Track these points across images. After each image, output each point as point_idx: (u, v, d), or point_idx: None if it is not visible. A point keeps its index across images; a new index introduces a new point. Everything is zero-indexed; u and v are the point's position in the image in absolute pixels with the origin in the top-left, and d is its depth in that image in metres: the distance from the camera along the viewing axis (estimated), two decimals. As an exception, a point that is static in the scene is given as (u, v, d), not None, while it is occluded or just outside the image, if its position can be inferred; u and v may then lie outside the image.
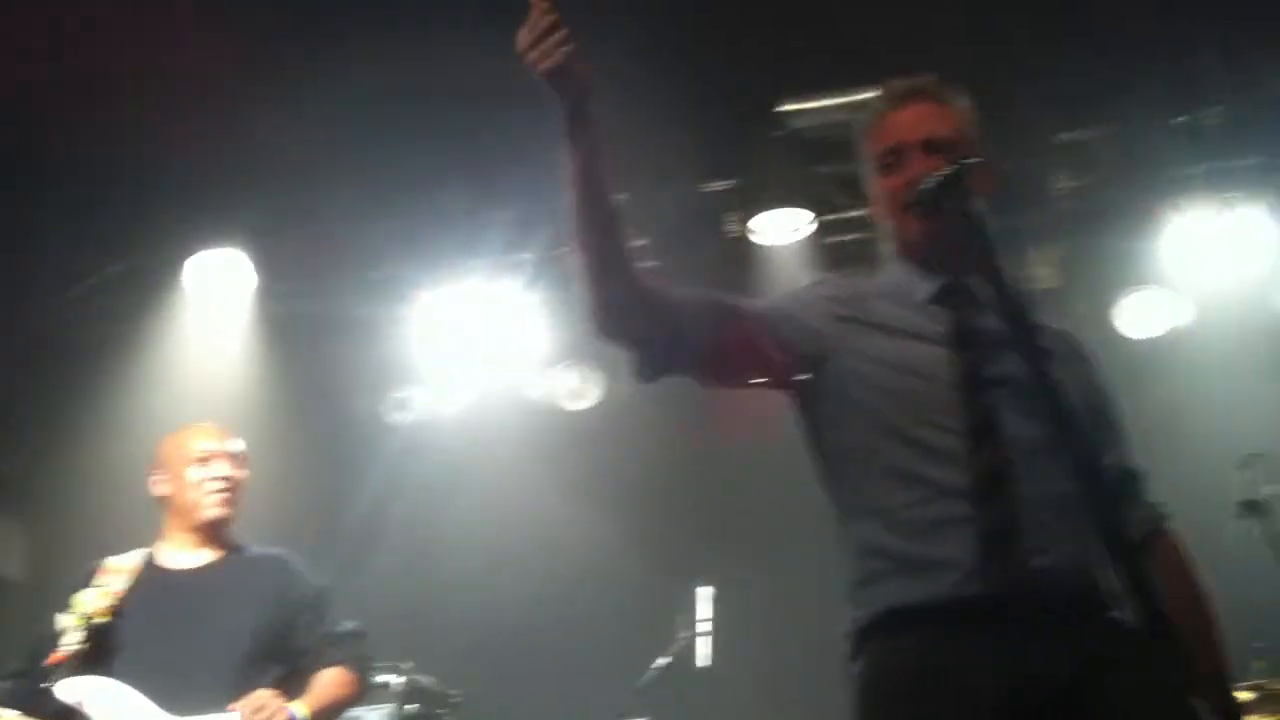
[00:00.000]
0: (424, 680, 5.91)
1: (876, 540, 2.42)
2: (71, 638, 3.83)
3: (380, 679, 5.71)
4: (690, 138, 6.37)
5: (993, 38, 5.59)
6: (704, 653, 5.00)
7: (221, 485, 4.13)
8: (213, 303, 6.99)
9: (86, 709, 3.77)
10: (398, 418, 7.46)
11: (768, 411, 2.76)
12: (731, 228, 6.86)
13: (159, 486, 4.18)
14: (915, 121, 2.62)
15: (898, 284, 2.62)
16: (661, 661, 5.00)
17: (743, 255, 6.79)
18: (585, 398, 7.35)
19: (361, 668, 4.18)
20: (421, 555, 7.25)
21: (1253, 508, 4.39)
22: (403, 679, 5.81)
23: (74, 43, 5.55)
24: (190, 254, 6.84)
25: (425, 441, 7.34)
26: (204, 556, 4.13)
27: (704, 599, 5.09)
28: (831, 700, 2.54)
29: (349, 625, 4.20)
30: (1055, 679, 2.21)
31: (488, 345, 7.22)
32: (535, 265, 6.93)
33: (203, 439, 4.20)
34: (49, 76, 5.68)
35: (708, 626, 5.03)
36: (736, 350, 2.51)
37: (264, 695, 3.84)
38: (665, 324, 2.44)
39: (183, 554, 4.13)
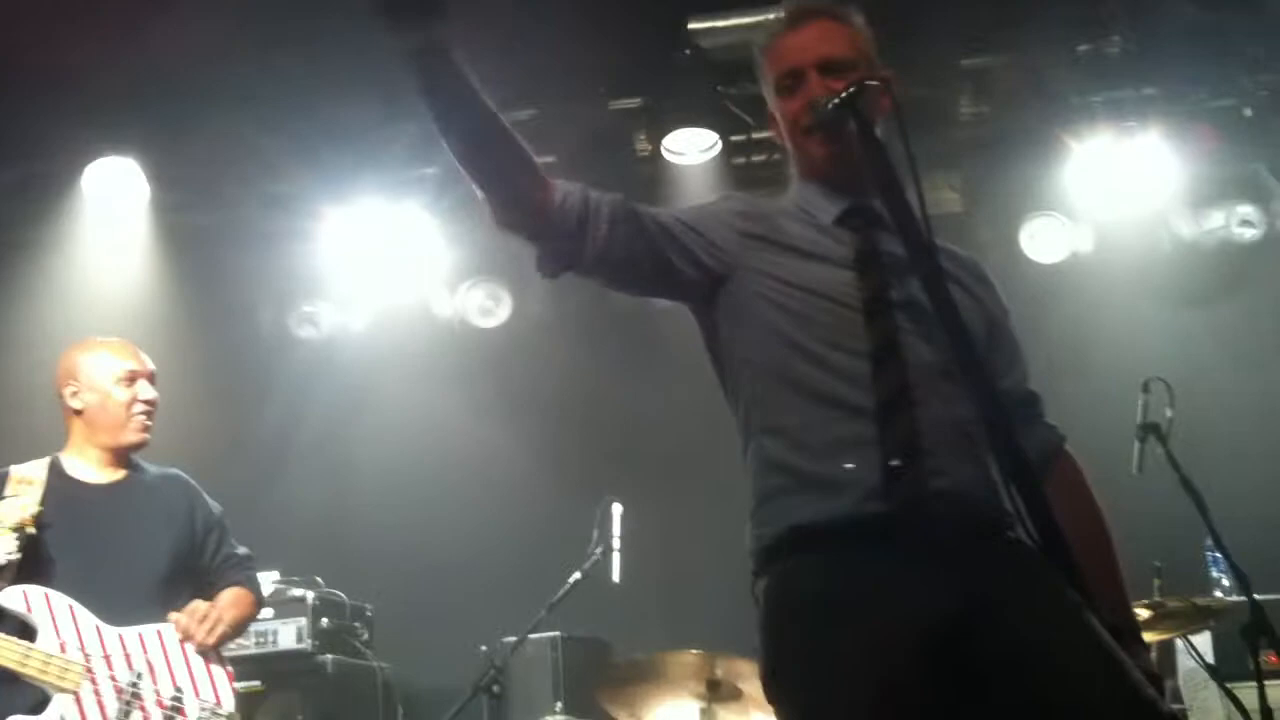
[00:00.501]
0: (337, 594, 5.94)
1: (780, 457, 2.44)
2: (3, 546, 3.82)
3: (295, 593, 5.76)
4: (598, 56, 6.32)
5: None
6: (617, 568, 5.06)
7: (146, 408, 4.14)
8: (110, 213, 6.85)
9: (32, 617, 3.80)
10: (305, 333, 7.39)
11: (677, 328, 2.77)
12: (640, 147, 6.86)
13: (76, 399, 4.13)
14: (811, 43, 2.61)
15: (803, 205, 2.63)
16: (574, 576, 5.04)
17: (651, 174, 6.80)
18: (494, 315, 7.33)
19: (256, 588, 4.36)
20: (331, 472, 7.23)
21: (1152, 430, 4.50)
22: (315, 593, 5.85)
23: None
24: (86, 163, 6.69)
25: (333, 357, 7.29)
26: (112, 474, 4.15)
27: (616, 515, 5.13)
28: (739, 616, 2.59)
29: (243, 549, 4.35)
30: (954, 599, 2.25)
31: (394, 260, 7.17)
32: (440, 180, 6.88)
33: (127, 357, 4.18)
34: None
35: (619, 542, 5.08)
36: (643, 258, 2.49)
37: (202, 605, 4.01)
38: (572, 220, 2.42)
39: (92, 469, 4.13)
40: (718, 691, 4.57)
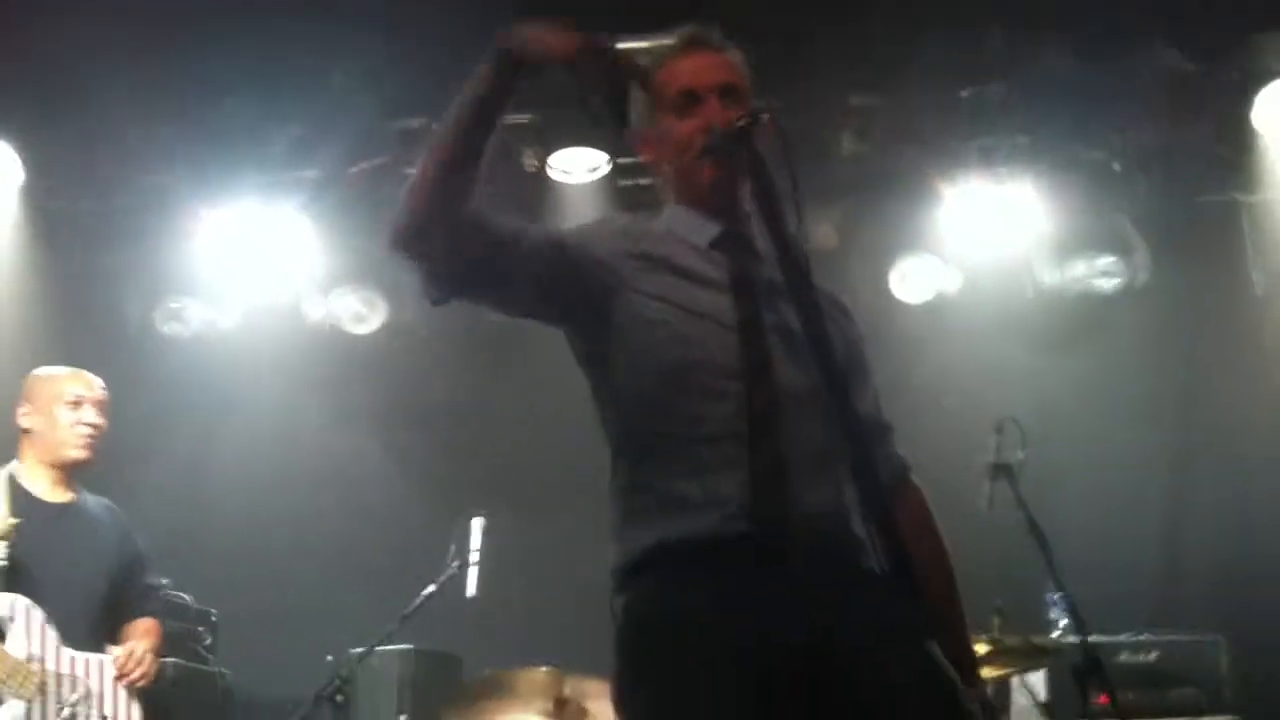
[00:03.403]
0: (182, 597, 5.82)
1: (645, 477, 2.46)
2: None
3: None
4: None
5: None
6: (473, 582, 5.02)
7: (89, 430, 4.43)
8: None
9: (11, 625, 4.03)
10: (170, 329, 7.25)
11: (550, 344, 2.78)
12: (528, 163, 6.85)
13: (25, 419, 4.45)
14: (712, 69, 2.64)
15: (681, 226, 2.66)
16: (429, 589, 4.99)
17: (536, 191, 6.80)
18: (367, 321, 7.26)
19: (164, 620, 4.77)
20: (190, 472, 7.11)
21: (1003, 470, 4.61)
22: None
23: None
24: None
25: (200, 355, 7.16)
26: (62, 494, 4.44)
27: (476, 529, 5.10)
28: (593, 634, 2.61)
29: (163, 580, 4.77)
30: (805, 623, 2.28)
31: (267, 261, 7.06)
32: (319, 184, 6.81)
33: (76, 384, 4.50)
34: None
35: (478, 557, 5.04)
36: (536, 279, 2.50)
37: (140, 648, 4.34)
38: (479, 246, 2.43)
39: (45, 486, 4.41)
40: (565, 710, 4.53)
